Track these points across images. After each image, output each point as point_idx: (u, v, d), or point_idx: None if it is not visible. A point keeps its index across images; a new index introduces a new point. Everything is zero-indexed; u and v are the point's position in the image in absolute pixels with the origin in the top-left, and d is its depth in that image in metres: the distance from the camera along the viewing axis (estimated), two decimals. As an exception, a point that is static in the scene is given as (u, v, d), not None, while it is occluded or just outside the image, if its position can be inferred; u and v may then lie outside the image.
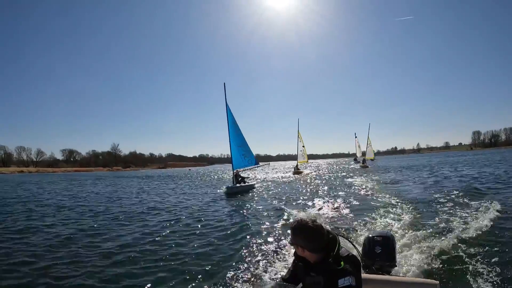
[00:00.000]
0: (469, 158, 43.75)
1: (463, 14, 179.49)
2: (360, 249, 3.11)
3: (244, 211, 9.90)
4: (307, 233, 1.83)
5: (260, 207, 10.51)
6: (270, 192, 15.37)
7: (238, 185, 17.27)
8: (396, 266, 3.12)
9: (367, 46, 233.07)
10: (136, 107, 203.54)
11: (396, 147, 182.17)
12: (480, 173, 18.11)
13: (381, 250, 3.02)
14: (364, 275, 2.49)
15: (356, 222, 7.11)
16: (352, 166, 47.70)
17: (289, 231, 2.05)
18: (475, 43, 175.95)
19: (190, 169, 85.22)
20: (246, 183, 18.19)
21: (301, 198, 12.35)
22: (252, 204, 11.54)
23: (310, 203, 10.69)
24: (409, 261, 4.42)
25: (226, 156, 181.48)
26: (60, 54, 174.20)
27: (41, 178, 46.59)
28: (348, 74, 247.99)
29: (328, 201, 10.83)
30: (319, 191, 14.36)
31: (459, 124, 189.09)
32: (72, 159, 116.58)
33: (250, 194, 15.26)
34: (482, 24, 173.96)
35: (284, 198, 12.55)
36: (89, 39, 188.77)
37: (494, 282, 3.80)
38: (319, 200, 11.29)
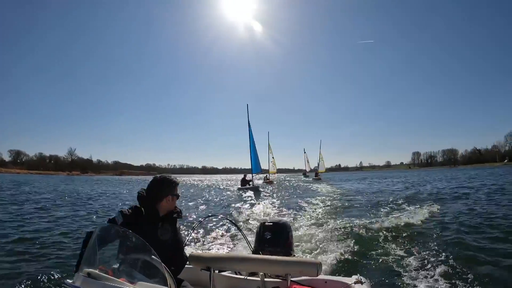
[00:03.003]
0: (393, 174, 57.27)
1: (415, 44, 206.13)
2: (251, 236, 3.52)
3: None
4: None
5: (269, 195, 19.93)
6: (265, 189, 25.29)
7: (247, 186, 26.24)
8: (291, 255, 3.24)
9: (323, 67, 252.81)
10: (78, 110, 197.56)
11: (340, 165, 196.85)
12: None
13: (271, 236, 3.20)
14: (247, 255, 2.93)
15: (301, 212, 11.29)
16: (306, 179, 55.64)
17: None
18: (419, 73, 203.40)
19: None
20: (251, 185, 26.02)
21: (284, 192, 22.44)
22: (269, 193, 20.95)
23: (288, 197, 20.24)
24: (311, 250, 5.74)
25: (173, 167, 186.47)
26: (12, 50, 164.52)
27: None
28: (299, 94, 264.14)
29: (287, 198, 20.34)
30: (293, 192, 24.09)
31: (400, 144, 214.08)
32: (19, 161, 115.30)
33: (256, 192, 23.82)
34: (428, 56, 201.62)
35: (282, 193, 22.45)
36: (43, 36, 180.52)
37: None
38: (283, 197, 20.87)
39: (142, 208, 2.35)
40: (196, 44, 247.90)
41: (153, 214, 2.33)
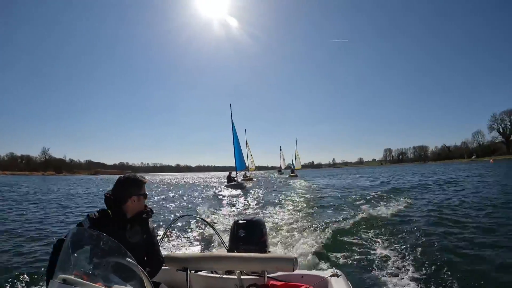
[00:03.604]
0: (365, 171, 59.23)
1: (390, 43, 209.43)
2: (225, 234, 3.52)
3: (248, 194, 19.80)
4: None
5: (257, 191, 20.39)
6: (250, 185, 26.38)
7: (233, 182, 26.34)
8: (266, 251, 3.29)
9: (299, 64, 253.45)
10: (48, 108, 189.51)
11: (313, 161, 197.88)
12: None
13: (245, 234, 3.25)
14: (223, 253, 2.90)
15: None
16: (282, 176, 55.81)
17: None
18: (393, 72, 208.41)
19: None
20: (237, 182, 26.67)
21: (266, 187, 22.83)
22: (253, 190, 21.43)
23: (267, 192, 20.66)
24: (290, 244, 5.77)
25: (146, 165, 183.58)
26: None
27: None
28: (274, 91, 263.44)
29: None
30: (273, 188, 24.53)
31: (373, 141, 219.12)
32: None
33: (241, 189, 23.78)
34: (405, 55, 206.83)
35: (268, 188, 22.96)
36: (13, 32, 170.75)
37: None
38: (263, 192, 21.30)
39: (109, 211, 2.26)
40: (172, 41, 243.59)
41: (120, 216, 2.25)
